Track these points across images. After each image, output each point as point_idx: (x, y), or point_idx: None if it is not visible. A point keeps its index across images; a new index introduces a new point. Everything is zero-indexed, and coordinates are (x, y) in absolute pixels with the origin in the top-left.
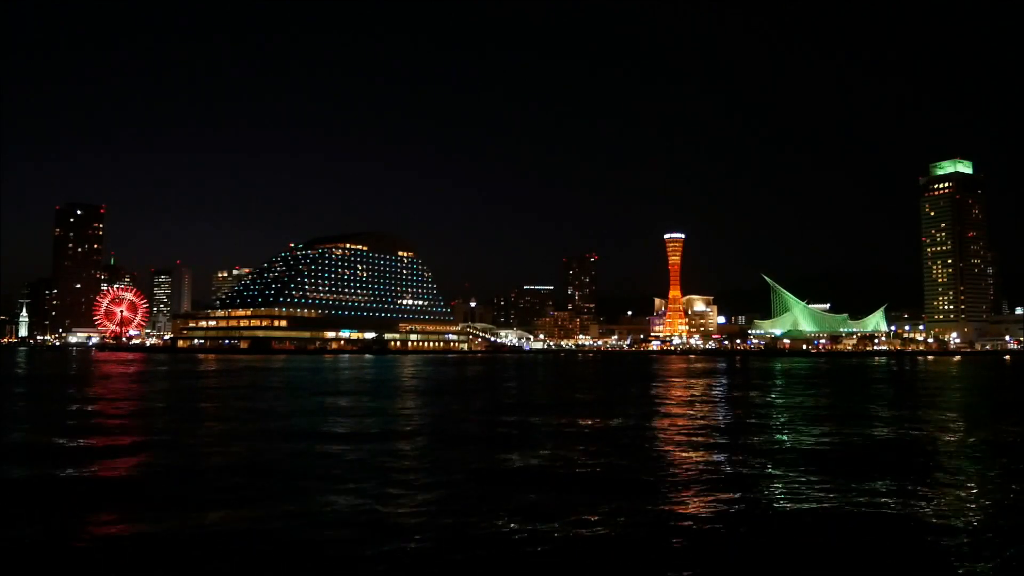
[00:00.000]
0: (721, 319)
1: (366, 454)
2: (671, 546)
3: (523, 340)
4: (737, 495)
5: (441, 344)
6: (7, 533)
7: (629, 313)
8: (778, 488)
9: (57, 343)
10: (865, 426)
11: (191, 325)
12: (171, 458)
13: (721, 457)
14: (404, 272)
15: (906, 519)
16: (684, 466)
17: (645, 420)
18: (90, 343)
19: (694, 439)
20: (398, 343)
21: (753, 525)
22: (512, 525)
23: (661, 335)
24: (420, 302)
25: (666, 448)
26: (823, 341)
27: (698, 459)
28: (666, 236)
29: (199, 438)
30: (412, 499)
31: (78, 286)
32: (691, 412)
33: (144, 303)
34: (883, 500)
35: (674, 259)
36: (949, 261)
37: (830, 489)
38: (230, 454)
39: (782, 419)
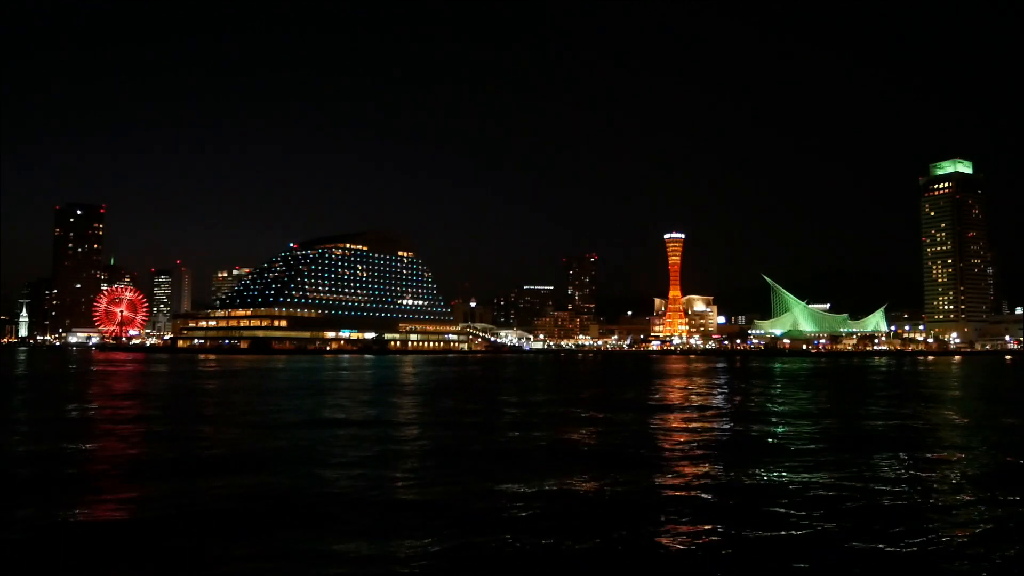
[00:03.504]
0: (721, 319)
1: (367, 464)
2: (670, 550)
3: (523, 340)
4: (734, 495)
5: (441, 344)
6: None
7: (629, 313)
8: (777, 493)
9: (57, 343)
10: (864, 426)
11: (191, 325)
12: (168, 456)
13: (718, 457)
14: (404, 272)
15: (905, 519)
16: (680, 465)
17: (644, 420)
18: (90, 343)
19: (692, 439)
20: (398, 343)
21: (751, 531)
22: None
23: (661, 335)
24: (420, 302)
25: (664, 449)
26: (823, 341)
27: (694, 456)
28: (666, 236)
29: (195, 442)
30: (411, 505)
31: (78, 286)
32: (690, 411)
33: (144, 303)
34: (882, 501)
35: (674, 259)
36: (949, 261)
37: (828, 488)
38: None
39: (782, 419)
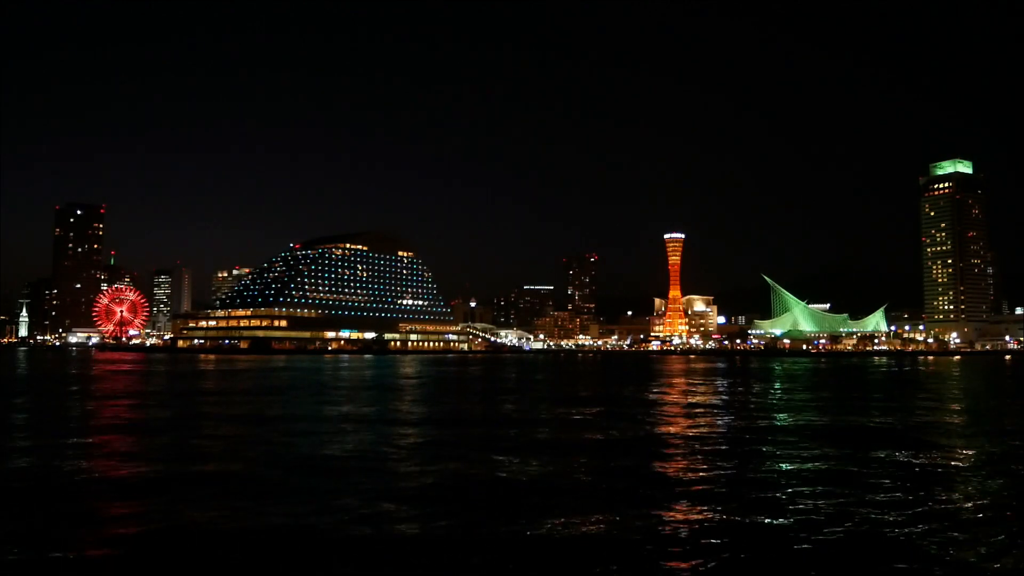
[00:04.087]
0: (721, 319)
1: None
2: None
3: (523, 340)
4: (733, 491)
5: (441, 344)
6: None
7: (629, 313)
8: (778, 501)
9: (57, 343)
10: (863, 425)
11: (191, 325)
12: (169, 457)
13: (718, 457)
14: (404, 272)
15: (907, 524)
16: (681, 465)
17: (644, 418)
18: (90, 343)
19: (690, 435)
20: (398, 343)
21: (751, 540)
22: (510, 527)
23: (661, 335)
24: (420, 302)
25: (662, 445)
26: (823, 341)
27: (695, 453)
28: (666, 236)
29: (194, 443)
30: (412, 509)
31: (78, 286)
32: (688, 408)
33: (144, 303)
34: (880, 499)
35: (674, 259)
36: (949, 261)
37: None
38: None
39: (781, 417)
